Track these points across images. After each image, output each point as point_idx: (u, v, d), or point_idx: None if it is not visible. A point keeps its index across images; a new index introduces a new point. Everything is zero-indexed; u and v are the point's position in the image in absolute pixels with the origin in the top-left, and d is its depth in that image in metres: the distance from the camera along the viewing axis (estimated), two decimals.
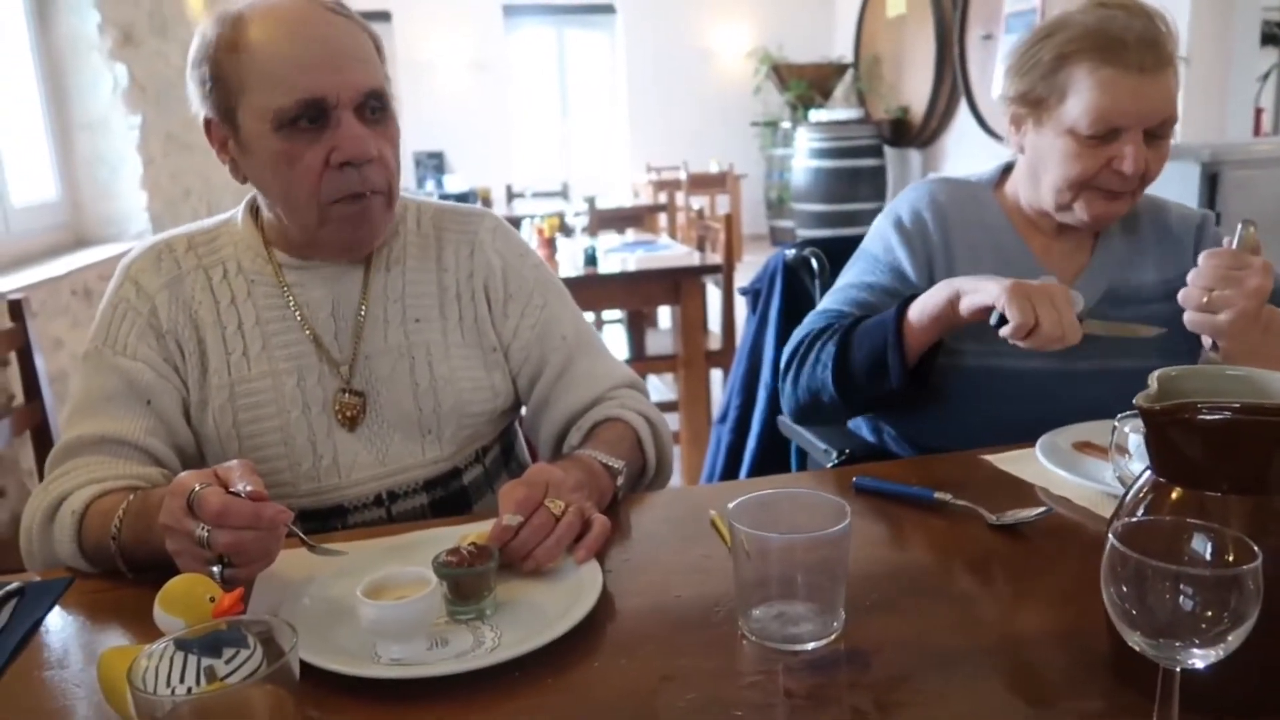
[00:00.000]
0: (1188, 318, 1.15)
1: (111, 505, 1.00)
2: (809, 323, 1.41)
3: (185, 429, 1.16)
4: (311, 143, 1.06)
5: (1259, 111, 6.10)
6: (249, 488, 0.87)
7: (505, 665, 0.78)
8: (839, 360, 1.30)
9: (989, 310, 1.16)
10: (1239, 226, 1.18)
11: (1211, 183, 3.37)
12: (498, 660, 0.78)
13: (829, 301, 1.43)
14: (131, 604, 0.95)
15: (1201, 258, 1.15)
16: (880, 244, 1.44)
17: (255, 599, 0.89)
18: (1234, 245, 1.17)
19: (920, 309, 1.25)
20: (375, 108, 1.09)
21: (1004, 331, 1.14)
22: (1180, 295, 1.15)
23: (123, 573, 0.99)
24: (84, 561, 1.02)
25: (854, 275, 1.45)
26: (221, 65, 1.07)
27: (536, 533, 0.92)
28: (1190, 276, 1.15)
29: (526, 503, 0.93)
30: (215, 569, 0.85)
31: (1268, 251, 1.22)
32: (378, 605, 0.79)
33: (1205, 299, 1.13)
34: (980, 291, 1.16)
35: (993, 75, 6.56)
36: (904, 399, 1.30)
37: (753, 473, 1.86)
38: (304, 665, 0.71)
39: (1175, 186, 3.15)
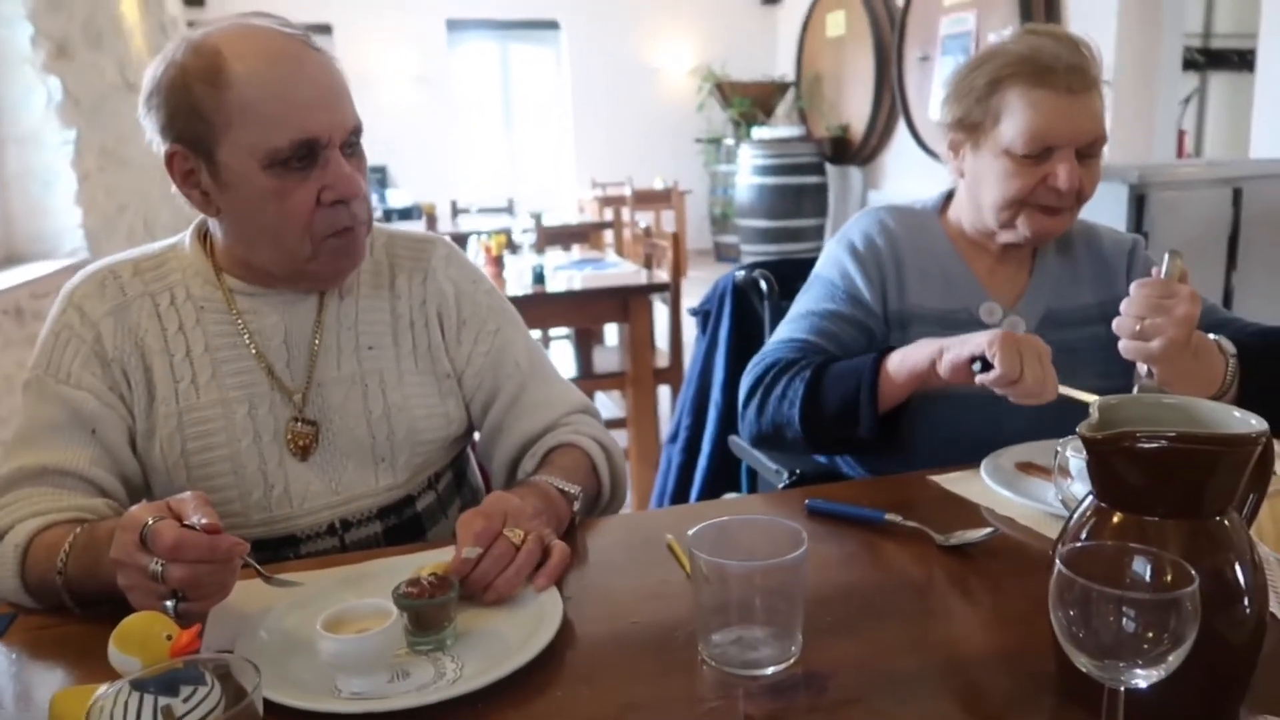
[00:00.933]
0: (1122, 345, 1.20)
1: (57, 539, 0.98)
2: (774, 351, 1.42)
3: (131, 459, 1.13)
4: (302, 181, 1.06)
5: (1182, 134, 6.33)
6: (204, 520, 0.85)
7: (468, 697, 0.78)
8: (807, 399, 1.31)
9: (970, 362, 1.18)
10: (1166, 257, 1.24)
11: (1139, 204, 3.49)
12: (460, 692, 0.78)
13: (791, 330, 1.45)
14: (78, 641, 0.94)
15: (1133, 287, 1.20)
16: (836, 270, 1.47)
17: (210, 633, 0.88)
18: (1163, 274, 1.22)
19: (900, 362, 1.27)
20: (355, 143, 1.11)
21: (984, 378, 1.16)
22: (1114, 324, 1.20)
23: (69, 608, 0.97)
24: (28, 597, 1.00)
25: (812, 302, 1.46)
26: (198, 98, 1.03)
27: (497, 563, 0.93)
28: (1123, 306, 1.20)
29: (485, 534, 0.93)
30: (168, 604, 0.84)
31: (1195, 268, 1.28)
32: (338, 639, 0.79)
33: (1138, 327, 1.17)
34: (967, 344, 1.19)
35: (930, 95, 6.73)
36: (870, 447, 1.33)
37: (704, 492, 1.88)
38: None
39: (1106, 206, 3.25)
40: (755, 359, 1.43)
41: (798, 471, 1.48)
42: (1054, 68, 1.31)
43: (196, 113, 1.04)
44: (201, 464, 1.13)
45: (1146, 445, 0.69)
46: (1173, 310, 1.16)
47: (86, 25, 3.75)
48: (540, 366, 1.29)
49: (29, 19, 3.27)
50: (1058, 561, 0.64)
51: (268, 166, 1.04)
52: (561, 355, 4.73)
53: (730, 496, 1.81)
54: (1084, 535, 0.73)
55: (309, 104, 1.05)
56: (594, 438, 1.24)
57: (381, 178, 8.61)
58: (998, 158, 1.36)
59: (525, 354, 1.28)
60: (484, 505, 0.99)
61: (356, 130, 1.10)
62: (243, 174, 1.05)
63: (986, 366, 1.16)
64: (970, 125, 1.39)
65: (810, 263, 1.66)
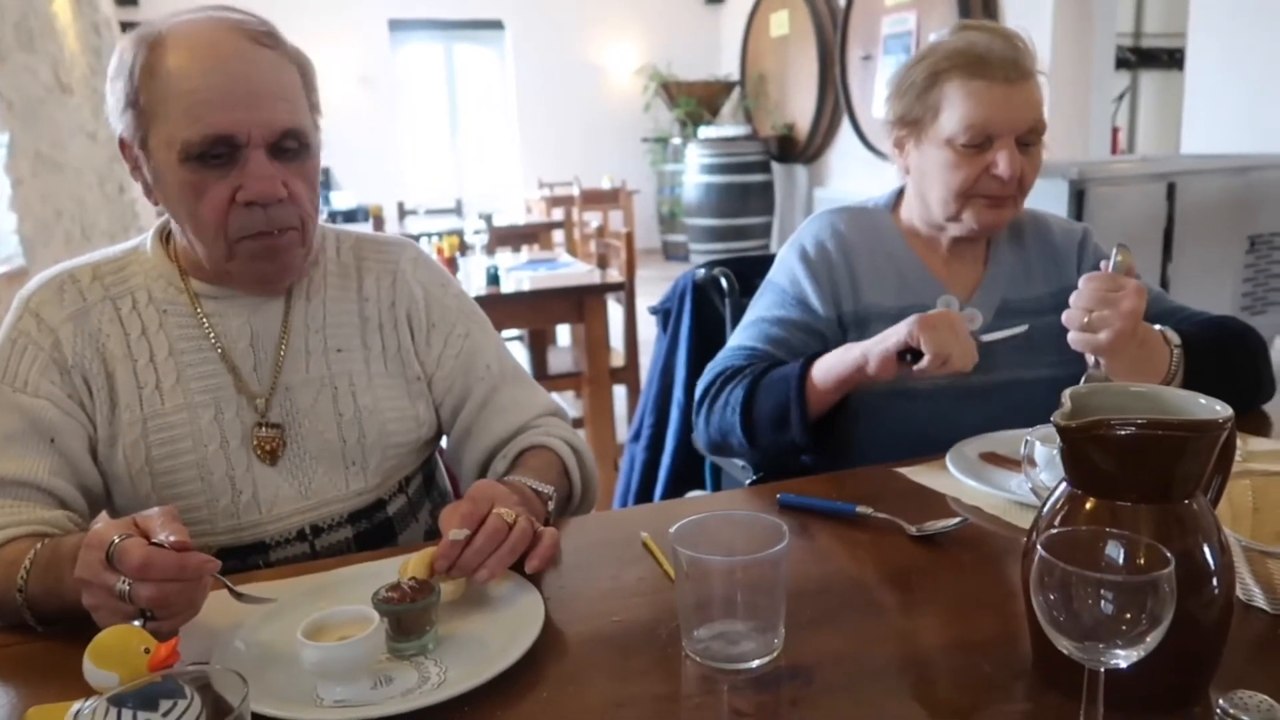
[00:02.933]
0: (1071, 337, 1.23)
1: (16, 555, 0.95)
2: (725, 359, 1.45)
3: (91, 468, 1.11)
4: (219, 178, 1.04)
5: (1116, 131, 6.51)
6: (172, 537, 0.83)
7: (454, 700, 0.77)
8: (745, 407, 1.34)
9: (900, 354, 1.23)
10: (1114, 251, 1.28)
11: (1079, 199, 3.58)
12: (445, 696, 0.77)
13: (742, 337, 1.47)
14: (42, 658, 0.91)
15: (1081, 281, 1.24)
16: (786, 277, 1.49)
17: (184, 647, 0.85)
18: (1111, 268, 1.26)
19: (825, 370, 1.31)
20: (290, 146, 1.07)
21: (919, 366, 1.21)
22: (1064, 316, 1.24)
23: (31, 626, 0.94)
24: None
25: (763, 309, 1.49)
26: (139, 88, 1.03)
27: (492, 539, 0.92)
28: (1072, 299, 1.24)
29: (472, 516, 0.93)
30: (137, 623, 0.82)
31: (1136, 262, 1.32)
32: (321, 646, 0.78)
33: (1086, 319, 1.21)
34: (889, 338, 1.24)
35: (873, 94, 6.82)
36: (808, 451, 1.36)
37: (668, 490, 1.89)
38: None
39: (1048, 203, 3.32)
40: (709, 368, 1.45)
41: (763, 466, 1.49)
42: (989, 59, 1.35)
43: (134, 101, 1.04)
44: (166, 470, 1.11)
45: (1118, 432, 0.71)
46: (1119, 304, 1.20)
47: (19, 26, 3.64)
48: (511, 370, 1.29)
49: None
50: (1038, 547, 0.66)
51: (183, 160, 1.03)
52: (515, 356, 4.70)
53: (696, 494, 1.82)
54: (1058, 521, 0.75)
55: (226, 99, 1.02)
56: (565, 440, 1.24)
57: (325, 179, 8.47)
58: (940, 150, 1.39)
59: (496, 357, 1.28)
60: (470, 492, 0.99)
61: (291, 133, 1.06)
62: (166, 165, 1.04)
63: (916, 356, 1.20)
64: (912, 121, 1.42)
65: (766, 260, 1.68)
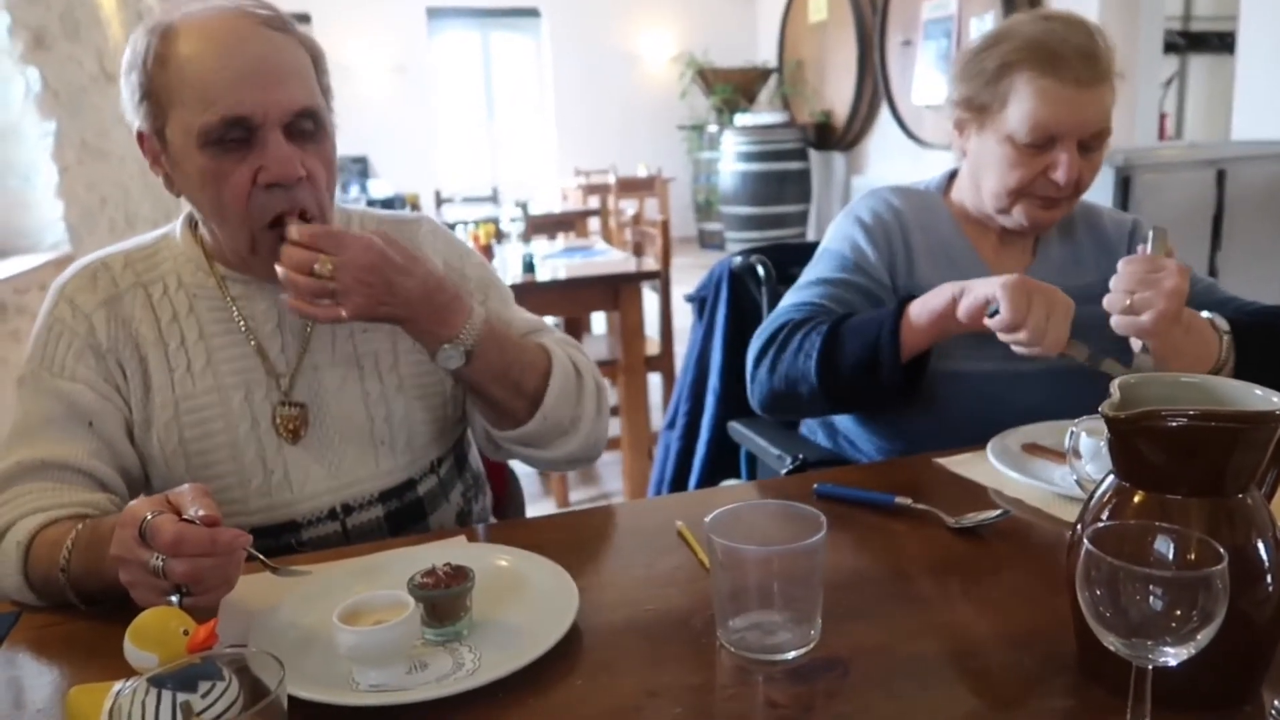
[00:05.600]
0: (1114, 321, 1.20)
1: (59, 535, 0.97)
2: (784, 313, 1.40)
3: (129, 450, 1.12)
4: (239, 161, 1.03)
5: (1163, 116, 6.37)
6: (202, 512, 0.84)
7: (488, 687, 0.77)
8: (825, 351, 1.29)
9: (986, 305, 1.17)
10: (1151, 233, 1.25)
11: (1125, 186, 3.51)
12: (480, 683, 0.77)
13: (801, 296, 1.43)
14: (85, 638, 0.92)
15: (1120, 264, 1.21)
16: (846, 243, 1.46)
17: (222, 629, 0.86)
18: (1149, 250, 1.23)
19: (922, 306, 1.25)
20: (307, 127, 1.06)
21: (991, 323, 1.16)
22: (1105, 300, 1.20)
23: (74, 605, 0.96)
24: (31, 595, 0.98)
25: (823, 271, 1.45)
26: (152, 78, 1.03)
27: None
28: (1112, 282, 1.20)
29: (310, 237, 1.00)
30: (173, 598, 0.83)
31: (1180, 250, 1.28)
32: (357, 631, 0.78)
33: (1128, 301, 1.18)
34: (984, 286, 1.18)
35: (913, 80, 6.73)
36: (889, 399, 1.31)
37: (703, 479, 1.88)
38: None
39: (1092, 190, 3.27)
40: (763, 324, 1.41)
41: (800, 456, 1.47)
42: (1064, 55, 1.30)
43: (151, 94, 1.04)
44: (199, 452, 1.12)
45: (1169, 424, 0.69)
46: (1161, 283, 1.16)
47: (64, 16, 3.69)
48: (535, 325, 1.29)
49: (6, 9, 3.21)
50: (1085, 541, 0.64)
51: (203, 146, 1.03)
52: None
53: (730, 483, 1.81)
54: (1105, 515, 0.73)
55: (240, 81, 1.01)
56: (570, 356, 1.21)
57: (363, 168, 8.54)
58: (1000, 144, 1.36)
59: (517, 320, 1.27)
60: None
61: (306, 112, 1.05)
62: (185, 153, 1.04)
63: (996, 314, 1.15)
64: (977, 106, 1.39)
65: (805, 248, 1.66)
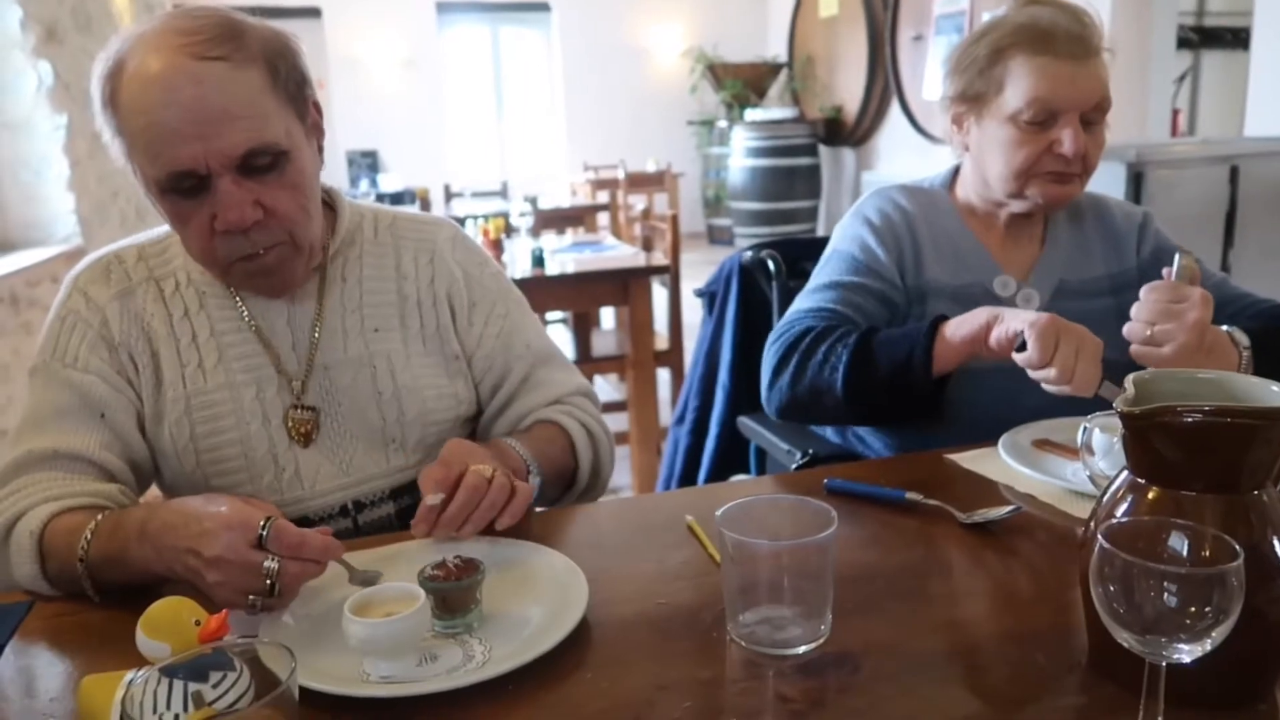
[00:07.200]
0: (1133, 350, 1.19)
1: (75, 524, 0.97)
2: (802, 319, 1.38)
3: (140, 443, 1.13)
4: (198, 206, 1.02)
5: (1176, 113, 6.34)
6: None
7: (499, 679, 0.77)
8: (854, 365, 1.28)
9: (1016, 337, 1.15)
10: (1177, 257, 1.23)
11: (1137, 182, 3.49)
12: (490, 675, 0.77)
13: (815, 300, 1.42)
14: (98, 627, 0.93)
15: (1143, 291, 1.19)
16: (855, 244, 1.45)
17: (234, 619, 0.87)
18: (1174, 277, 1.21)
19: (956, 328, 1.24)
20: (261, 163, 1.02)
21: (1019, 358, 1.14)
22: (1125, 330, 1.19)
23: (88, 595, 0.96)
24: (45, 584, 0.99)
25: (834, 274, 1.44)
26: (114, 118, 1.01)
27: (473, 495, 0.96)
28: (1133, 310, 1.19)
29: (445, 480, 0.97)
30: (255, 599, 0.85)
31: (1193, 246, 1.27)
32: (368, 623, 0.78)
33: (1149, 332, 1.17)
34: (1016, 319, 1.16)
35: (924, 76, 6.70)
36: (911, 414, 1.31)
37: (712, 474, 1.88)
38: None
39: (1105, 185, 3.25)
40: (779, 329, 1.40)
41: (810, 451, 1.47)
42: (1054, 35, 1.32)
43: (117, 130, 1.02)
44: (210, 448, 1.12)
45: (1185, 419, 0.68)
46: (1184, 315, 1.15)
47: (76, 9, 3.70)
48: (549, 350, 1.31)
49: (18, 3, 3.22)
50: (1099, 536, 0.64)
51: (160, 194, 1.03)
52: (559, 339, 4.72)
53: (740, 478, 1.81)
54: (1119, 511, 0.73)
55: (177, 135, 0.97)
56: (582, 422, 1.26)
57: (372, 162, 8.55)
58: (1002, 126, 1.36)
59: (535, 337, 1.30)
60: (443, 454, 1.03)
61: (256, 151, 1.00)
62: (152, 194, 1.05)
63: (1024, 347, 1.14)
64: (973, 97, 1.39)
65: (814, 243, 1.65)
